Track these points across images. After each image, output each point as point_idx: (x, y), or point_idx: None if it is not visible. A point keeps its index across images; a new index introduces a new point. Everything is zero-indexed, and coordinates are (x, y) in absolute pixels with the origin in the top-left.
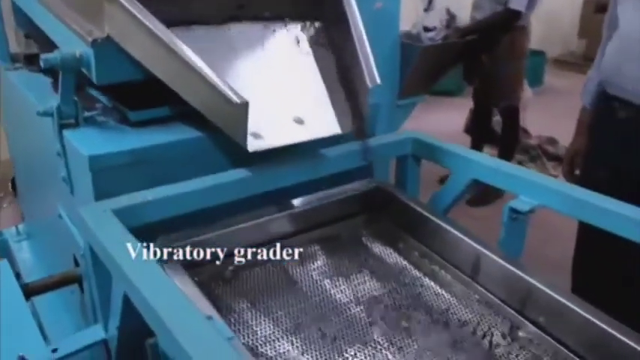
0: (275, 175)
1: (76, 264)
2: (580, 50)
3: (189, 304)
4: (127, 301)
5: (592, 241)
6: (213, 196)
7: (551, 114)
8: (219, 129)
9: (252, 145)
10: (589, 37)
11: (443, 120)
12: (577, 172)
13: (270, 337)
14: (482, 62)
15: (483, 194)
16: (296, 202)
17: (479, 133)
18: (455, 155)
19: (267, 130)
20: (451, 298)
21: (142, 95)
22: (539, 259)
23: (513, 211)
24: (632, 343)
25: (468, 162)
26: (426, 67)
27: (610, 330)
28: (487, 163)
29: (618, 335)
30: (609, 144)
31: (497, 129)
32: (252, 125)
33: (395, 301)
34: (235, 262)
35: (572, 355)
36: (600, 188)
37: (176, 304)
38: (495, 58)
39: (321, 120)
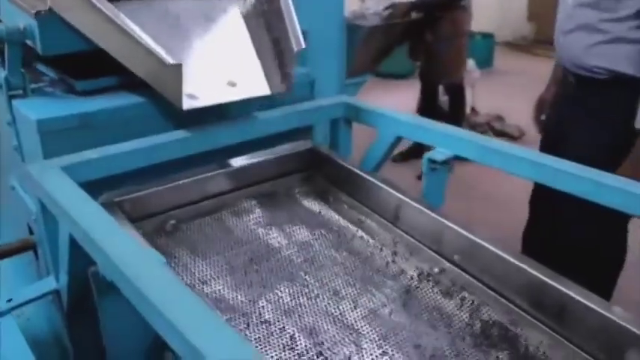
0: (212, 136)
1: (31, 233)
2: (530, 34)
3: (126, 235)
4: (72, 242)
5: (538, 205)
6: (153, 154)
7: (501, 94)
8: (160, 95)
9: (187, 104)
10: (538, 20)
11: (397, 102)
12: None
13: (206, 278)
14: (426, 41)
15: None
16: (235, 160)
17: (428, 111)
18: (380, 115)
19: (201, 92)
20: (375, 242)
21: (87, 66)
22: None
23: (431, 161)
24: (536, 273)
25: (393, 121)
26: (372, 47)
27: (518, 263)
28: (409, 121)
29: (525, 267)
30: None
31: (445, 108)
32: (187, 87)
33: (323, 245)
34: (176, 216)
35: (485, 288)
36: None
37: (114, 233)
38: (438, 36)
39: (252, 82)
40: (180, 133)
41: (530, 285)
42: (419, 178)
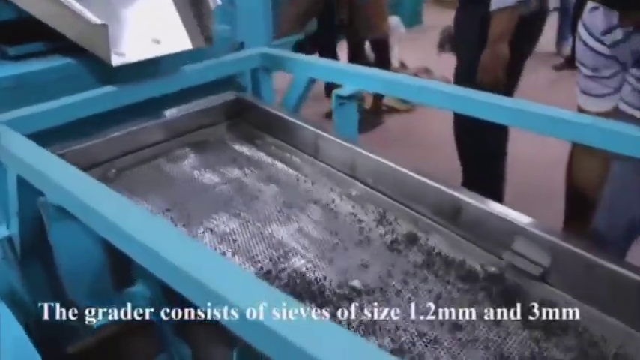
0: (142, 88)
1: None
2: None
3: (70, 166)
4: (20, 182)
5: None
6: (88, 107)
7: (430, 50)
8: (91, 56)
9: (116, 60)
10: None
11: None
12: None
13: None
14: None
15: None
16: (167, 112)
17: None
18: (294, 61)
19: (128, 49)
20: (299, 175)
21: (20, 33)
22: None
23: (339, 97)
24: (442, 187)
25: (306, 64)
26: (298, 7)
27: (423, 179)
28: (319, 64)
29: (425, 180)
30: None
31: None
32: (115, 46)
33: (253, 180)
34: (117, 165)
35: (397, 204)
36: None
37: (58, 164)
38: None
39: (175, 38)
40: (112, 87)
41: (431, 195)
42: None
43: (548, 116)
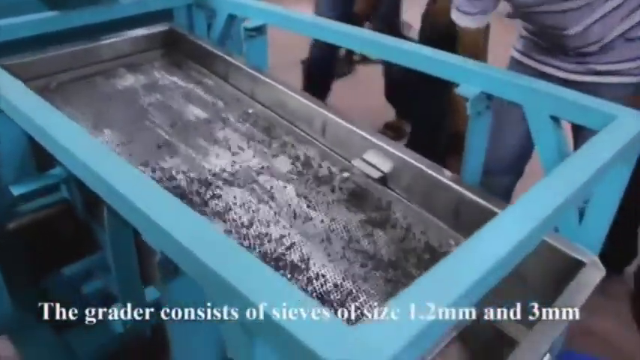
0: (81, 15)
1: None
2: None
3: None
4: None
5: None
6: (33, 27)
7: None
8: None
9: None
10: None
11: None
12: None
13: (89, 126)
14: None
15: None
16: (108, 37)
17: None
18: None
19: None
20: (211, 96)
21: None
22: None
23: (246, 30)
24: (313, 105)
25: (226, 3)
26: None
27: (300, 99)
28: (239, 2)
29: (305, 101)
30: None
31: None
32: None
33: (177, 96)
34: (58, 79)
35: (282, 119)
36: None
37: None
38: None
39: None
40: (56, 13)
41: (304, 113)
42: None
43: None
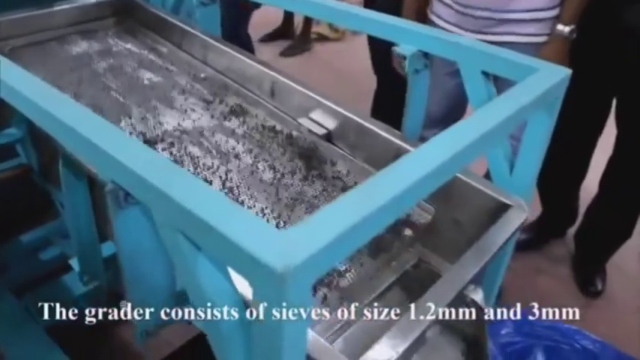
0: None
1: None
2: None
3: None
4: None
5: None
6: None
7: None
8: None
9: None
10: None
11: None
12: None
13: None
14: None
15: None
16: (59, 4)
17: None
18: None
19: None
20: (164, 61)
21: None
22: None
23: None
24: (262, 68)
25: None
26: None
27: (250, 62)
28: None
29: (255, 64)
30: None
31: None
32: None
33: (130, 62)
34: (12, 43)
35: (233, 82)
36: None
37: None
38: None
39: None
40: None
41: (255, 75)
42: (281, 54)
43: None
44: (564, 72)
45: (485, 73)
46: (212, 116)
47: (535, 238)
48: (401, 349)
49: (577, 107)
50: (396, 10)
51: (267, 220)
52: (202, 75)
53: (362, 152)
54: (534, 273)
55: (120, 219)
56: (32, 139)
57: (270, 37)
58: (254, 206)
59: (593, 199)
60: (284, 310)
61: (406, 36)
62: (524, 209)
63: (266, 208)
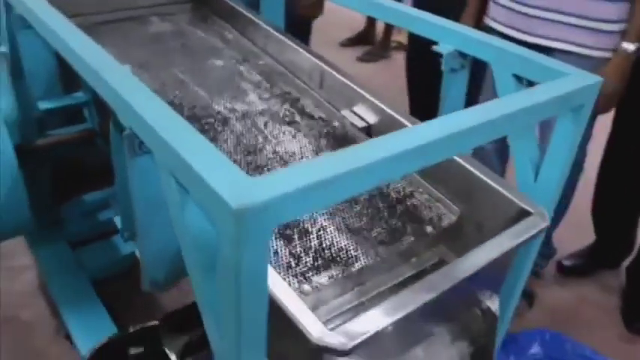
0: None
1: None
2: None
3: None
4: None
5: None
6: None
7: None
8: None
9: None
10: None
11: None
12: None
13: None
14: None
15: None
16: None
17: None
18: None
19: None
20: (230, 50)
21: None
22: None
23: None
24: (313, 58)
25: None
26: None
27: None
28: None
29: (306, 54)
30: None
31: None
32: None
33: (195, 43)
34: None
35: (286, 71)
36: None
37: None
38: None
39: None
40: None
41: (306, 65)
42: (359, 59)
43: None
44: (594, 79)
45: (517, 77)
46: (262, 100)
47: (585, 265)
48: (380, 325)
49: (637, 129)
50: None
51: None
52: (260, 62)
53: None
54: (579, 300)
55: (134, 166)
56: (95, 103)
57: (351, 42)
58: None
59: None
60: (241, 247)
61: (446, 34)
62: (544, 218)
63: None
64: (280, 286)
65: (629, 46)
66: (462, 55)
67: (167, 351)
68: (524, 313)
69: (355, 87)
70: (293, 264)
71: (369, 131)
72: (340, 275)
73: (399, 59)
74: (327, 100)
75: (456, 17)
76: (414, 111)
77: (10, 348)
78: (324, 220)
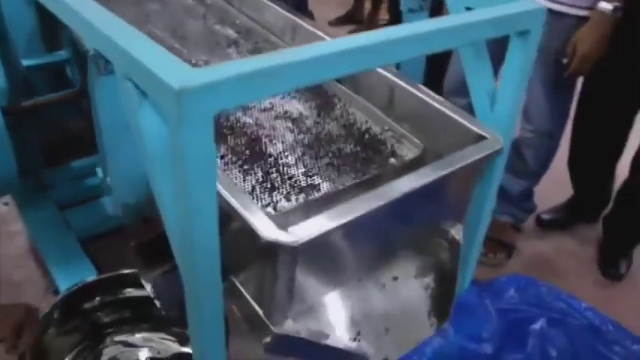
0: None
1: None
2: None
3: None
4: None
5: None
6: None
7: None
8: None
9: None
10: None
11: None
12: None
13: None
14: None
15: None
16: None
17: None
18: None
19: None
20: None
21: None
22: None
23: None
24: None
25: None
26: None
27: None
28: None
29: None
30: None
31: None
32: None
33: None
34: None
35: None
36: None
37: None
38: None
39: None
40: None
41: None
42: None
43: None
44: (536, 4)
45: (469, 10)
46: (237, 54)
47: (563, 219)
48: (329, 226)
49: (615, 84)
50: None
51: None
52: (237, 21)
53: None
54: (556, 252)
55: (100, 86)
56: (77, 60)
57: (339, 21)
58: None
59: (623, 181)
60: (183, 127)
61: None
62: (499, 142)
63: None
64: (232, 187)
65: (607, 6)
66: None
67: (143, 281)
68: (502, 263)
69: (326, 38)
70: (259, 190)
71: (339, 79)
72: (303, 201)
73: None
74: None
75: None
76: None
77: None
78: (291, 153)
